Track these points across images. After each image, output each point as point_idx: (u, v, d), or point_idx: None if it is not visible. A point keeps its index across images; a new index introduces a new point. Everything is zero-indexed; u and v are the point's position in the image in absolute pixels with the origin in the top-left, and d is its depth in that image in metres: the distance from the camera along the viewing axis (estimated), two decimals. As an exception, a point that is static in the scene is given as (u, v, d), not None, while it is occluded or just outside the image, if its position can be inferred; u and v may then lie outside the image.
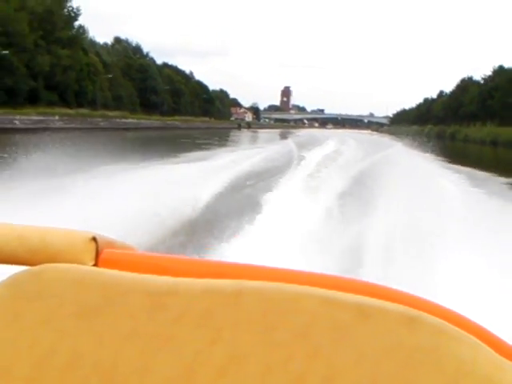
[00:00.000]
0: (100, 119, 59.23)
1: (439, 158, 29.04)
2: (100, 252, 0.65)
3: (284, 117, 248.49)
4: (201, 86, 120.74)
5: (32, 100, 53.36)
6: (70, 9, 63.08)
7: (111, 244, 0.67)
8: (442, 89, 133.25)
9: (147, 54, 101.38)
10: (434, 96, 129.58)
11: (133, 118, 70.90)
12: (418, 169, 18.10)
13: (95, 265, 0.64)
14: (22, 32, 51.50)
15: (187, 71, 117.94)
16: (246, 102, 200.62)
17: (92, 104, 64.83)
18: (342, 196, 11.76)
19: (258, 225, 8.58)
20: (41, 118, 47.28)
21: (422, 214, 8.69)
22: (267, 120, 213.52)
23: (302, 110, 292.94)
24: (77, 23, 65.47)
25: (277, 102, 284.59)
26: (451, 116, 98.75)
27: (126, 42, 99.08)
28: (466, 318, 0.58)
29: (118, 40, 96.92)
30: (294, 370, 0.55)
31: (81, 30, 67.01)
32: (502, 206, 9.70)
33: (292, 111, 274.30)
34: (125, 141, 37.16)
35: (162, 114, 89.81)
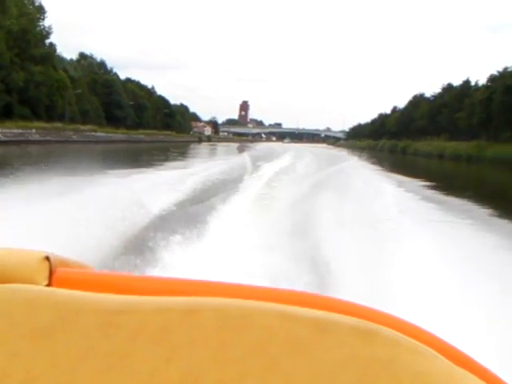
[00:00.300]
0: (72, 133, 62.05)
1: (380, 168, 36.05)
2: (53, 271, 0.63)
3: (242, 131, 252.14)
4: (162, 101, 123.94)
5: (6, 114, 55.89)
6: (43, 27, 65.89)
7: (65, 263, 0.66)
8: (395, 104, 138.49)
9: (111, 70, 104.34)
10: (388, 111, 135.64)
11: (101, 132, 73.88)
12: (361, 176, 23.25)
13: (48, 284, 0.62)
14: (0, 50, 54.21)
15: (149, 85, 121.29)
16: (204, 116, 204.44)
17: (61, 118, 67.44)
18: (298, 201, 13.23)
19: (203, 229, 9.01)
20: (20, 131, 50.02)
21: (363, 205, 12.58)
22: (226, 134, 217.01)
23: (259, 123, 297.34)
24: (47, 41, 68.34)
25: (235, 115, 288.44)
26: (403, 131, 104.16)
27: (91, 57, 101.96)
28: (422, 329, 0.59)
29: (83, 56, 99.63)
30: None
31: (52, 48, 69.74)
32: (412, 195, 16.94)
33: (250, 125, 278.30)
34: (95, 152, 40.51)
35: (127, 127, 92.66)
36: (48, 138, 51.26)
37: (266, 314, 0.57)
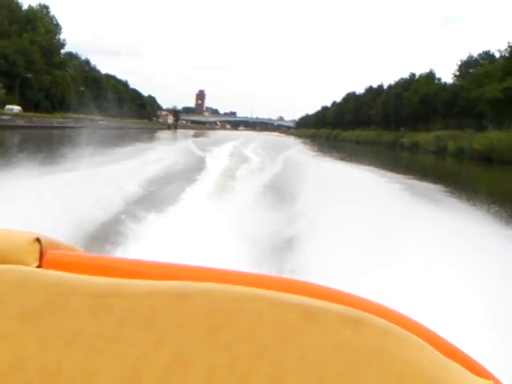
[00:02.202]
0: (89, 121, 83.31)
1: (314, 148, 57.81)
2: (44, 253, 0.63)
3: (199, 119, 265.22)
4: (135, 93, 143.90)
5: (35, 107, 76.06)
6: (60, 40, 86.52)
7: (55, 245, 0.66)
8: (334, 99, 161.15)
9: (94, 67, 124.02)
10: (329, 105, 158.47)
11: (105, 120, 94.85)
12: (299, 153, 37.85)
13: (39, 266, 0.62)
14: (36, 60, 74.57)
15: (123, 79, 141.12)
16: (163, 104, 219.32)
17: (66, 109, 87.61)
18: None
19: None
20: (60, 120, 70.75)
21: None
22: (184, 122, 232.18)
23: (215, 112, 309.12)
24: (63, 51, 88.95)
25: (192, 104, 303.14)
26: (339, 122, 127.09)
27: (76, 56, 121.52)
28: (411, 319, 0.59)
29: (72, 55, 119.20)
30: (240, 371, 0.55)
31: (66, 56, 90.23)
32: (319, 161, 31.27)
33: (206, 113, 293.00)
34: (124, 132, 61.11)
35: (110, 116, 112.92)
36: (81, 125, 72.40)
37: (255, 299, 0.57)
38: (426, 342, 0.56)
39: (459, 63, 79.46)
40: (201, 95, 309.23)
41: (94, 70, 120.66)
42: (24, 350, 0.57)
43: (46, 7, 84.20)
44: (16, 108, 66.70)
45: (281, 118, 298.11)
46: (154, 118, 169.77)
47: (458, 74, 77.85)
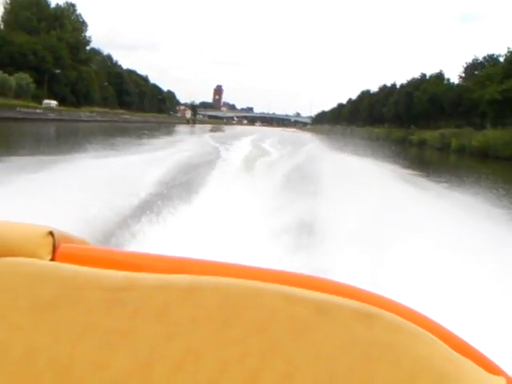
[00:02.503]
0: (113, 115, 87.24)
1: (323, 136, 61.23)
2: (57, 247, 0.64)
3: (217, 114, 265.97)
4: (155, 88, 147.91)
5: (60, 101, 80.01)
6: (85, 37, 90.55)
7: (68, 239, 0.67)
8: (350, 96, 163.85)
9: (116, 63, 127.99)
10: (345, 102, 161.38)
11: (127, 115, 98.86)
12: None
13: (52, 259, 0.63)
14: (64, 56, 78.48)
15: (143, 75, 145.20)
16: (180, 99, 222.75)
17: (91, 103, 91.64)
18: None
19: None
20: (88, 113, 74.78)
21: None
22: (201, 116, 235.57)
23: (232, 107, 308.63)
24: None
25: (209, 98, 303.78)
26: (353, 119, 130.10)
27: (99, 51, 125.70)
28: (422, 314, 0.59)
29: (95, 51, 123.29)
30: (251, 366, 0.55)
31: (91, 52, 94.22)
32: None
33: (223, 109, 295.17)
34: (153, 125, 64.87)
35: (132, 111, 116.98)
36: (108, 118, 76.49)
37: (268, 294, 0.57)
38: (437, 337, 0.57)
39: (465, 65, 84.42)
40: (218, 90, 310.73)
41: (116, 65, 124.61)
42: (37, 342, 0.57)
43: (73, 5, 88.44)
44: (53, 102, 71.02)
45: (298, 114, 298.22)
46: (172, 113, 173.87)
47: (463, 75, 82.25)
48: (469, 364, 0.55)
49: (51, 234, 0.64)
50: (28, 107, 60.59)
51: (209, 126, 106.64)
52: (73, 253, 0.64)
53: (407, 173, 20.99)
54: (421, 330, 0.56)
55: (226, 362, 0.55)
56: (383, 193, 10.10)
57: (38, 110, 61.91)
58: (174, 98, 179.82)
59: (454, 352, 0.56)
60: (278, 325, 0.56)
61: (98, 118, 74.31)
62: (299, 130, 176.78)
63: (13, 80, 65.13)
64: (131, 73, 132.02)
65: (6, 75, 64.25)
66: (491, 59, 77.29)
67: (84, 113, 74.11)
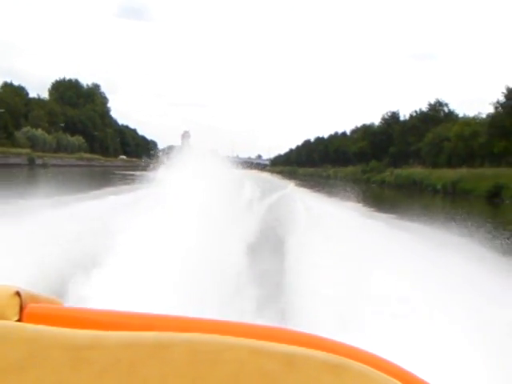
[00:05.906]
0: (131, 162, 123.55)
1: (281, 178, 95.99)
2: (24, 307, 0.62)
3: None
4: (144, 139, 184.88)
5: (95, 152, 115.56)
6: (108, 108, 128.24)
7: (35, 298, 0.65)
8: (307, 138, 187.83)
9: (116, 121, 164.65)
10: (296, 146, 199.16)
11: (139, 161, 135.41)
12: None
13: (19, 320, 0.62)
14: (97, 123, 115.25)
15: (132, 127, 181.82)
16: (159, 144, 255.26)
17: (109, 154, 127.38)
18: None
19: None
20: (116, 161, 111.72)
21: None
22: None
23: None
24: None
25: (178, 142, 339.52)
26: (302, 161, 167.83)
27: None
28: (391, 362, 0.59)
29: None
30: None
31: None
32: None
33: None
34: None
35: (131, 156, 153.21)
36: (129, 164, 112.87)
37: (236, 348, 0.57)
38: None
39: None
40: (186, 135, 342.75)
41: (116, 123, 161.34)
42: None
43: (98, 86, 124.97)
44: (123, 157, 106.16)
45: (259, 157, 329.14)
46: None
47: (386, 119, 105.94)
48: None
49: (18, 294, 0.62)
50: (106, 160, 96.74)
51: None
52: (40, 313, 0.63)
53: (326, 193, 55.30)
54: (388, 377, 0.56)
55: None
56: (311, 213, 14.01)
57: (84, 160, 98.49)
58: (155, 146, 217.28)
59: None
60: (247, 378, 0.55)
61: (119, 164, 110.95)
62: (260, 172, 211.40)
63: (75, 140, 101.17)
64: (127, 128, 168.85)
65: (69, 137, 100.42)
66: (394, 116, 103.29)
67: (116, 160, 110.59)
